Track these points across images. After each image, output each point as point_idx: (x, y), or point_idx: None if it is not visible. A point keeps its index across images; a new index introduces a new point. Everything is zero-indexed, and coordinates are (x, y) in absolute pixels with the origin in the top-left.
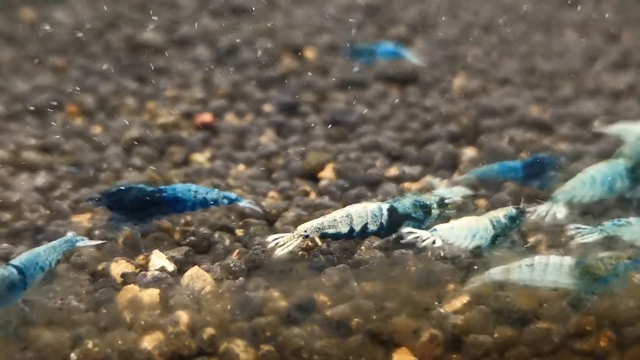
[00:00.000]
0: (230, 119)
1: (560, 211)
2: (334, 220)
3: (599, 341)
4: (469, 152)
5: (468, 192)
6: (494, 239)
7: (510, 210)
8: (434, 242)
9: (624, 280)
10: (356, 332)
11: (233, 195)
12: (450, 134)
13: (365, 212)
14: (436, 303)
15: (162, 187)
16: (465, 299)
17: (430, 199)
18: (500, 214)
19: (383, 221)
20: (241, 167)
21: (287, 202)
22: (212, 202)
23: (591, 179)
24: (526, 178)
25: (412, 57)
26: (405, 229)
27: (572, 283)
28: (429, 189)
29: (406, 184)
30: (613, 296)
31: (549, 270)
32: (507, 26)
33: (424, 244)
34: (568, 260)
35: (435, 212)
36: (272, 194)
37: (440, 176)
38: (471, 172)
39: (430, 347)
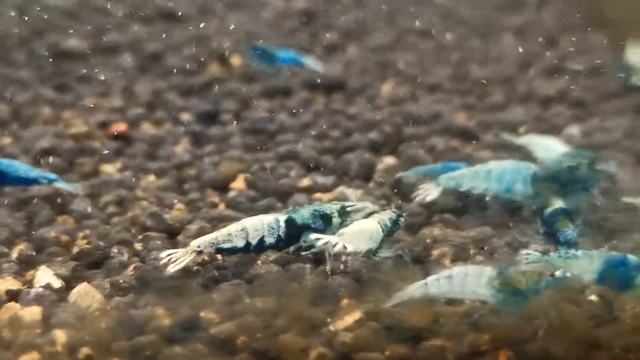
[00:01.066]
0: (146, 127)
1: (431, 194)
2: (229, 234)
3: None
4: (388, 161)
5: (371, 206)
6: (382, 242)
7: (391, 213)
8: (345, 247)
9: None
10: (242, 351)
11: (53, 176)
12: (371, 143)
13: (261, 224)
14: (329, 320)
15: None
16: (357, 315)
17: (330, 207)
18: (386, 217)
19: (281, 233)
20: (151, 177)
21: (193, 214)
22: (32, 180)
23: (486, 172)
24: None
25: (313, 65)
26: (312, 235)
27: (491, 295)
28: (342, 199)
29: (318, 195)
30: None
31: (468, 280)
32: (444, 31)
33: (335, 249)
34: (488, 270)
35: (336, 220)
36: (178, 205)
37: (355, 186)
38: (412, 170)
39: None
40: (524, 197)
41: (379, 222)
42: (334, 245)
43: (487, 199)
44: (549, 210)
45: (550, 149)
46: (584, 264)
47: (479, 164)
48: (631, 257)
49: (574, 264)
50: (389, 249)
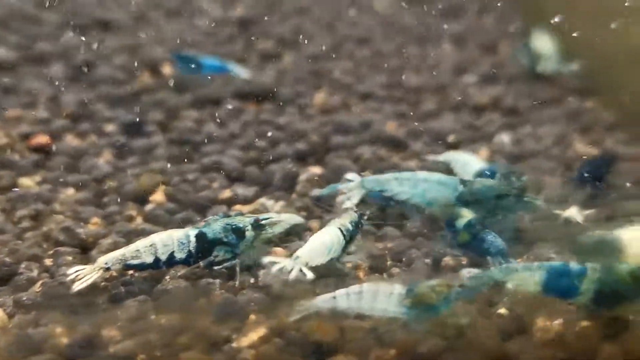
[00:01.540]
0: (70, 139)
1: (354, 196)
2: (137, 250)
3: None
4: (314, 171)
5: (297, 218)
6: (344, 247)
7: (352, 214)
8: (304, 274)
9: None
10: None
11: None
12: (298, 153)
13: (170, 240)
14: (233, 336)
15: None
16: (262, 331)
17: (243, 221)
18: (347, 221)
19: (191, 248)
20: (71, 191)
21: (108, 229)
22: None
23: (414, 181)
24: None
25: (240, 72)
26: (267, 259)
27: (402, 312)
28: (262, 211)
29: (238, 207)
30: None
31: (378, 298)
32: (383, 39)
33: (292, 276)
34: (398, 288)
35: (249, 234)
36: (95, 219)
37: (276, 197)
38: (327, 188)
39: None
40: (443, 214)
41: (339, 228)
42: (290, 271)
43: (408, 210)
44: (460, 221)
45: (468, 165)
46: (526, 276)
47: (408, 171)
48: (573, 265)
49: (516, 277)
50: (351, 253)
